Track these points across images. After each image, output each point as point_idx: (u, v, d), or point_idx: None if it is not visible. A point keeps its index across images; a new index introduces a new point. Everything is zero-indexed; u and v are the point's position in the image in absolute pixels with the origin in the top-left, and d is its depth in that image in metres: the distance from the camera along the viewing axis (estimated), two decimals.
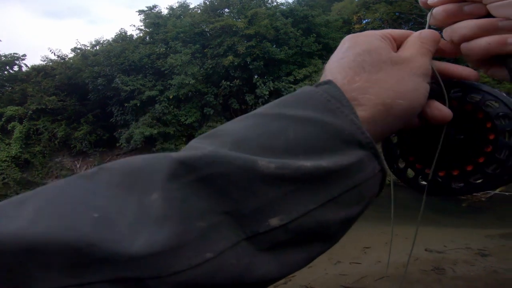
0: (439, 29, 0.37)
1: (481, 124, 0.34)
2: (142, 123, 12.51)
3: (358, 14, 16.79)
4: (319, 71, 12.53)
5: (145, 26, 15.44)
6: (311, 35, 12.97)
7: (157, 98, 12.58)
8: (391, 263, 5.12)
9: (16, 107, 14.40)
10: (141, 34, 15.57)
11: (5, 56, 16.87)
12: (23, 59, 17.42)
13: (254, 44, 12.08)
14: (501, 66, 0.35)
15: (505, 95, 0.33)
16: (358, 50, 0.30)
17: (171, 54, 12.68)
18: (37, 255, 0.19)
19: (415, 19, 14.49)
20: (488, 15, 0.33)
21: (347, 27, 16.14)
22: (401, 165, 0.40)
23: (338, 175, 0.23)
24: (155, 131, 12.39)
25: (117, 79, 12.75)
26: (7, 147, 13.40)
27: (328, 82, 0.27)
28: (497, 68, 0.35)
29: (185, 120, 12.64)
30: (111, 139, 14.10)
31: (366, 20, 17.18)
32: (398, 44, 0.34)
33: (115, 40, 15.40)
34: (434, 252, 5.27)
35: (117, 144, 13.58)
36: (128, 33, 15.91)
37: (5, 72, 17.21)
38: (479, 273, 4.30)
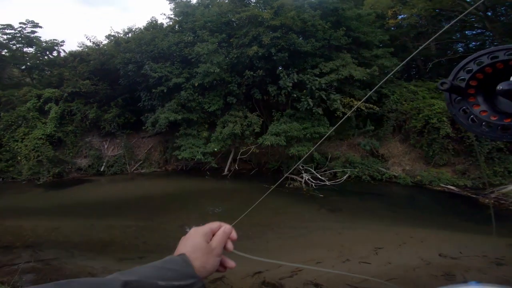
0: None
1: None
2: (167, 108, 12.93)
3: (394, 9, 16.16)
4: (347, 65, 12.29)
5: (175, 15, 15.69)
6: (341, 29, 12.67)
7: (183, 85, 12.89)
8: (401, 265, 5.06)
9: (53, 90, 15.27)
10: (171, 23, 15.85)
11: (46, 42, 18.01)
12: (61, 45, 18.58)
13: (279, 35, 12.04)
14: None
15: None
16: (195, 242, 0.71)
17: (198, 43, 12.85)
18: None
19: (456, 17, 13.75)
20: None
21: (380, 21, 15.67)
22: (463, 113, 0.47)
23: (187, 286, 0.62)
24: (179, 117, 12.76)
25: (146, 66, 13.19)
26: (43, 126, 14.25)
27: (183, 255, 0.68)
28: None
29: (209, 108, 12.93)
30: (138, 122, 14.70)
31: (402, 16, 16.56)
32: (213, 233, 0.75)
33: (146, 28, 15.78)
34: (448, 257, 5.17)
35: (143, 128, 14.10)
36: (159, 22, 16.29)
37: (45, 57, 18.37)
38: (491, 281, 4.24)
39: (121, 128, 15.13)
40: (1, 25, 16.83)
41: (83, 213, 8.86)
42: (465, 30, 16.26)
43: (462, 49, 16.47)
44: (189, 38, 13.58)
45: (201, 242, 0.71)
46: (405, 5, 15.25)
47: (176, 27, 15.35)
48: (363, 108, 12.00)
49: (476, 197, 9.14)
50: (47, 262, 5.62)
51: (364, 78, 11.98)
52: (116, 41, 15.96)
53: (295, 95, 12.27)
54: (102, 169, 14.44)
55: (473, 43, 16.43)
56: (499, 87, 0.43)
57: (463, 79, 0.48)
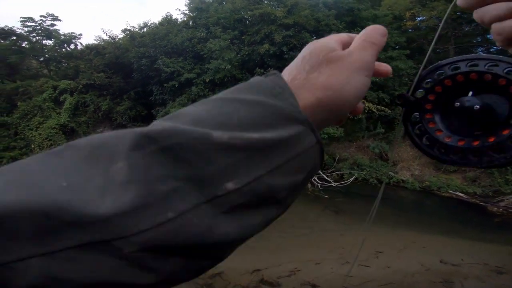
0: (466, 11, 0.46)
1: (505, 90, 0.35)
2: (178, 103, 13.04)
3: (412, 11, 15.84)
4: None
5: (189, 11, 15.89)
6: (356, 29, 12.57)
7: (194, 81, 13.04)
8: (400, 270, 4.98)
9: (69, 81, 15.73)
10: (185, 18, 16.06)
11: (64, 35, 18.46)
12: (79, 38, 18.99)
13: (291, 34, 12.00)
14: None
15: None
16: (304, 54, 0.35)
17: (210, 39, 12.99)
18: (4, 225, 0.20)
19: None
20: None
21: (398, 23, 15.37)
22: (418, 131, 0.41)
23: (281, 145, 0.27)
24: None
25: (159, 61, 13.37)
26: (57, 115, 14.67)
27: (275, 73, 0.33)
28: None
29: None
30: (149, 115, 14.84)
31: (421, 18, 16.19)
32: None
33: (161, 23, 16.02)
34: (449, 264, 5.05)
35: (154, 120, 14.25)
36: (174, 17, 16.52)
37: (63, 50, 18.87)
38: None
39: (132, 120, 15.29)
40: (23, 17, 17.38)
41: None
42: (486, 34, 15.76)
43: (482, 53, 16.00)
44: (202, 34, 13.71)
45: (319, 46, 0.35)
46: (424, 7, 14.89)
47: (190, 22, 15.52)
48: (375, 110, 11.83)
49: (484, 205, 8.90)
50: None
51: (377, 80, 11.79)
52: (131, 36, 16.26)
53: None
54: None
55: (494, 47, 15.90)
56: (457, 103, 0.39)
57: (422, 93, 0.43)
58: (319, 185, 10.68)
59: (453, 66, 0.41)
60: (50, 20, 17.93)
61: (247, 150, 0.26)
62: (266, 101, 0.28)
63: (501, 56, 0.36)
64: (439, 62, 0.43)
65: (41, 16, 17.65)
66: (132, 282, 0.23)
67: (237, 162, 0.25)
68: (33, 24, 17.60)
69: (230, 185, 0.25)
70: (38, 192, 0.22)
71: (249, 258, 5.67)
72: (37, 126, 14.41)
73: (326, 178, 11.14)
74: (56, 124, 14.29)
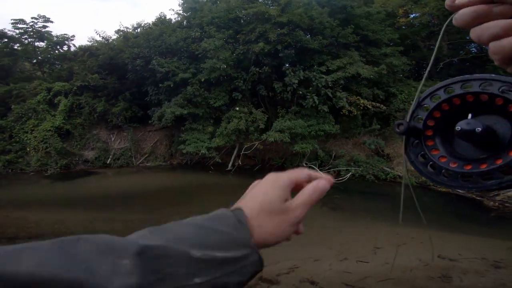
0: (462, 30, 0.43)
1: (503, 109, 0.34)
2: (174, 103, 12.99)
3: (405, 8, 15.92)
4: (354, 63, 12.16)
5: (183, 11, 15.80)
6: (349, 26, 12.57)
7: (189, 80, 12.96)
8: (399, 266, 4.98)
9: (63, 83, 15.51)
10: (179, 19, 15.96)
11: (56, 36, 18.21)
12: (72, 40, 18.77)
13: (286, 32, 11.98)
14: None
15: None
16: (265, 198, 0.46)
17: (205, 39, 12.93)
18: None
19: None
20: None
21: (391, 20, 15.42)
22: (422, 159, 0.41)
23: (235, 260, 0.40)
24: (185, 112, 12.83)
25: (154, 61, 13.29)
26: (52, 118, 14.50)
27: (239, 209, 0.46)
28: None
29: (214, 103, 12.98)
30: (145, 116, 14.81)
31: (414, 15, 16.24)
32: (298, 188, 0.49)
33: (155, 23, 15.90)
34: (447, 259, 5.05)
35: (150, 121, 14.22)
36: (167, 17, 16.40)
37: (56, 51, 18.63)
38: (488, 285, 4.07)
39: (128, 121, 15.26)
40: (14, 20, 17.08)
41: (87, 205, 8.95)
42: None
43: (475, 49, 16.07)
44: (197, 33, 13.64)
45: (274, 198, 0.46)
46: (416, 3, 14.96)
47: (184, 22, 15.44)
48: (370, 107, 11.84)
49: (480, 199, 8.95)
50: None
51: (372, 76, 11.82)
52: (125, 36, 16.14)
53: (300, 92, 12.20)
54: (108, 162, 14.59)
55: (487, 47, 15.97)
56: (458, 127, 0.37)
57: (421, 118, 0.43)
58: None
59: (448, 88, 0.40)
60: (41, 22, 17.66)
61: (213, 262, 0.39)
62: (229, 231, 0.42)
63: (493, 75, 0.36)
64: (433, 86, 0.42)
65: (32, 18, 17.39)
66: None
67: (204, 268, 0.38)
68: (25, 26, 17.31)
69: (197, 280, 0.37)
70: (66, 269, 0.31)
71: None
72: (32, 129, 14.27)
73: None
74: (51, 127, 14.15)
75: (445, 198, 9.48)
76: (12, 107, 14.78)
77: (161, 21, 16.00)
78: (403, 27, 16.75)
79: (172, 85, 13.19)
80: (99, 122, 15.49)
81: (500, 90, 0.34)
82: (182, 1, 15.82)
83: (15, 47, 17.72)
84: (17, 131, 14.26)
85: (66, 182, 12.18)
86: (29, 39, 17.93)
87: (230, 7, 13.95)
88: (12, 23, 17.04)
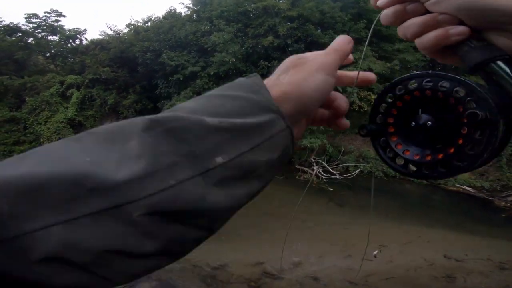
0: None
1: (454, 109, 0.37)
2: (183, 96, 13.04)
3: None
4: (366, 58, 11.96)
5: (193, 4, 15.77)
6: (361, 21, 12.34)
7: (198, 74, 13.01)
8: (403, 264, 4.93)
9: (75, 76, 15.76)
10: (189, 12, 15.97)
11: (69, 30, 18.47)
12: (84, 34, 18.97)
13: (296, 26, 11.86)
14: (453, 54, 0.39)
15: (470, 81, 0.36)
16: (280, 65, 0.43)
17: (214, 32, 12.95)
18: (35, 193, 0.23)
19: None
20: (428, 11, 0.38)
21: None
22: (390, 154, 0.43)
23: (259, 128, 0.33)
24: None
25: (164, 54, 13.38)
26: (65, 110, 14.79)
27: (255, 75, 0.40)
28: (450, 56, 0.40)
29: None
30: (155, 109, 14.81)
31: None
32: None
33: (165, 17, 16.03)
34: (453, 259, 5.00)
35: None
36: (177, 11, 16.46)
37: (68, 45, 18.92)
38: (491, 285, 4.04)
39: (138, 114, 15.26)
40: (27, 14, 17.35)
41: None
42: None
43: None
44: (206, 27, 13.65)
45: (296, 56, 0.43)
46: None
47: (194, 16, 15.41)
48: None
49: (491, 199, 8.74)
50: None
51: (384, 72, 11.62)
52: (135, 30, 16.32)
53: None
54: None
55: None
56: (412, 123, 0.41)
57: (381, 115, 0.45)
58: (324, 177, 10.60)
59: (399, 86, 0.42)
60: (54, 16, 17.90)
61: (233, 131, 0.32)
62: (247, 95, 0.35)
63: (431, 72, 0.39)
64: (387, 85, 0.44)
65: (45, 12, 17.66)
66: (136, 250, 0.27)
67: (224, 141, 0.31)
68: (38, 20, 17.59)
69: (219, 159, 0.30)
70: (66, 165, 0.26)
71: (252, 251, 5.71)
72: (46, 120, 14.57)
73: (331, 170, 11.05)
74: (64, 118, 14.44)
75: (455, 198, 9.29)
76: (26, 99, 15.10)
77: (171, 15, 16.08)
78: None
79: (181, 78, 13.27)
80: (110, 114, 15.62)
81: (439, 84, 0.37)
82: None
83: (29, 41, 18.04)
84: (31, 122, 14.58)
85: None
86: (42, 33, 18.25)
87: (239, 0, 13.89)
88: (25, 18, 17.38)
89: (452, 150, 0.37)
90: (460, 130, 0.36)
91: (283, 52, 12.50)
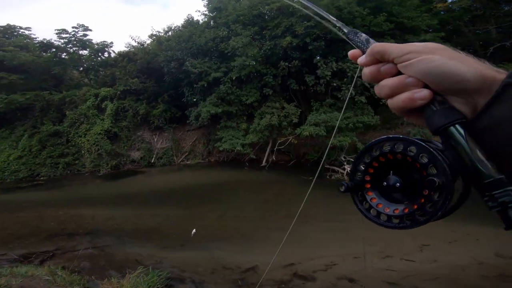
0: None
1: (419, 172, 0.42)
2: (208, 102, 13.35)
3: None
4: None
5: (209, 11, 15.91)
6: (381, 14, 11.80)
7: (221, 79, 13.17)
8: (448, 264, 4.63)
9: (108, 88, 16.61)
10: (206, 19, 16.15)
11: (97, 44, 19.39)
12: (111, 46, 19.84)
13: (313, 24, 11.61)
14: (420, 115, 0.42)
15: (432, 149, 0.41)
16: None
17: (232, 37, 13.00)
18: None
19: None
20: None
21: (427, 5, 14.29)
22: (366, 206, 0.49)
23: None
24: (220, 110, 13.15)
25: (187, 62, 13.70)
26: (101, 122, 15.65)
27: None
28: (418, 117, 0.43)
29: (246, 100, 13.09)
30: (183, 116, 15.43)
31: None
32: None
33: (184, 25, 16.37)
34: (507, 258, 4.69)
35: (188, 121, 14.79)
36: (195, 19, 16.71)
37: (98, 58, 19.85)
38: None
39: (168, 122, 16.00)
40: (57, 30, 18.44)
41: (135, 202, 9.65)
42: None
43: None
44: (224, 32, 13.75)
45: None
46: None
47: (211, 22, 15.56)
48: None
49: None
50: (102, 248, 6.21)
51: None
52: (158, 40, 16.75)
53: (335, 84, 11.79)
54: (152, 161, 15.51)
55: None
56: (384, 183, 0.47)
57: (360, 173, 0.51)
58: None
59: (375, 148, 0.47)
60: (81, 31, 18.82)
61: None
62: None
63: (401, 136, 0.44)
64: (365, 146, 0.49)
65: (73, 27, 18.63)
66: None
67: None
68: (68, 35, 18.56)
69: None
70: None
71: (283, 253, 5.63)
72: (85, 133, 15.55)
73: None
74: (101, 130, 15.30)
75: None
76: (66, 113, 16.22)
77: (190, 23, 16.37)
78: (442, 12, 15.35)
79: (205, 85, 13.51)
80: (142, 124, 16.41)
81: (408, 149, 0.42)
82: (207, 2, 15.96)
83: (63, 56, 19.12)
84: (73, 135, 15.64)
85: (116, 181, 13.20)
86: (73, 48, 19.27)
87: (253, 3, 13.80)
88: (56, 33, 18.43)
89: (415, 207, 0.43)
90: (422, 191, 0.42)
91: (303, 51, 12.32)
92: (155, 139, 16.29)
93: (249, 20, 13.77)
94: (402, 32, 12.46)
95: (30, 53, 17.75)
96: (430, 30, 12.93)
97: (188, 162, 15.39)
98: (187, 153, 15.80)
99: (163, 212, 8.44)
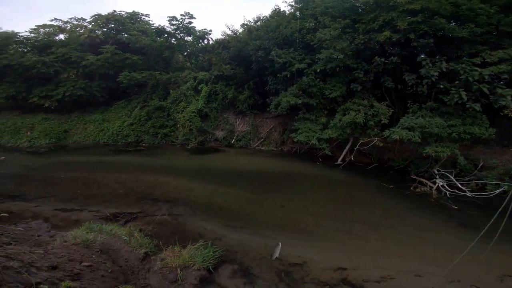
0: None
1: None
2: (289, 92, 13.15)
3: None
4: None
5: (295, 2, 15.40)
6: None
7: (305, 71, 12.78)
8: None
9: (204, 73, 18.17)
10: (292, 10, 15.72)
11: (199, 31, 21.18)
12: (210, 34, 21.44)
13: (420, 20, 10.14)
14: None
15: None
16: None
17: (319, 29, 12.39)
18: None
19: None
20: None
21: None
22: None
23: None
24: (300, 101, 12.83)
25: (273, 52, 13.71)
26: (196, 102, 17.27)
27: None
28: None
29: (329, 94, 12.42)
30: (264, 104, 15.73)
31: None
32: None
33: (271, 16, 16.38)
34: None
35: (267, 109, 14.94)
36: (282, 9, 16.57)
37: (199, 45, 21.66)
38: None
39: (250, 108, 16.61)
40: (169, 17, 20.77)
41: (212, 178, 10.28)
42: None
43: None
44: (310, 24, 13.33)
45: None
46: None
47: (297, 14, 15.09)
48: None
49: None
50: (175, 217, 6.75)
51: None
52: (249, 30, 17.23)
53: (442, 86, 10.04)
54: (232, 142, 16.45)
55: None
56: None
57: None
58: (448, 192, 8.83)
59: None
60: (187, 19, 20.69)
61: None
62: None
63: None
64: None
65: (181, 15, 20.67)
66: None
67: None
68: (177, 22, 20.67)
69: None
70: None
71: (338, 255, 5.34)
72: (182, 110, 17.40)
73: (459, 186, 9.07)
74: (195, 109, 16.92)
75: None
76: (170, 91, 18.45)
77: (277, 14, 16.27)
78: None
79: (288, 75, 13.35)
80: (228, 107, 17.44)
81: None
82: None
83: (172, 41, 21.41)
84: (172, 111, 17.66)
85: (200, 155, 14.37)
86: (181, 34, 21.36)
87: None
88: (168, 20, 20.68)
89: None
90: None
91: (403, 47, 10.86)
92: (237, 122, 17.16)
93: (339, 13, 12.88)
94: None
95: (148, 37, 20.47)
96: None
97: (263, 148, 15.77)
98: (262, 139, 16.16)
99: (233, 192, 8.81)
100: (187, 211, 7.20)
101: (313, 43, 12.78)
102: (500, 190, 8.58)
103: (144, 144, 16.77)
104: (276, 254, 5.13)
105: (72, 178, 9.91)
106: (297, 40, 13.66)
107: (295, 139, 12.73)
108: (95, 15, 20.78)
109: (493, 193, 8.52)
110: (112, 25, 20.76)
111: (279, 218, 7.10)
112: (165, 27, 21.16)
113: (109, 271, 3.89)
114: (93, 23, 20.66)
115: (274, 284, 4.46)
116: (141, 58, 19.56)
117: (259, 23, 17.31)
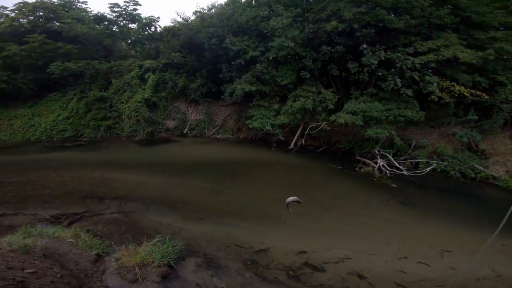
0: None
1: None
2: (243, 80, 12.86)
3: None
4: (451, 45, 10.06)
5: None
6: (445, 7, 10.36)
7: (258, 59, 12.61)
8: (463, 273, 4.24)
9: (152, 61, 16.87)
10: None
11: (145, 18, 19.76)
12: (157, 21, 20.11)
13: (364, 11, 10.55)
14: None
15: None
16: None
17: (273, 17, 12.34)
18: None
19: None
20: None
21: (502, 2, 12.47)
22: None
23: None
24: (253, 88, 12.65)
25: (227, 40, 13.23)
26: (142, 91, 15.97)
27: None
28: None
29: (281, 81, 12.46)
30: (218, 92, 15.19)
31: None
32: None
33: (227, 3, 15.88)
34: None
35: (222, 97, 14.50)
36: None
37: (145, 32, 20.20)
38: None
39: (203, 96, 15.94)
40: (110, 4, 19.04)
41: (164, 170, 9.53)
42: None
43: None
44: (265, 12, 13.16)
45: None
46: None
47: (253, 2, 14.86)
48: (467, 95, 9.87)
49: None
50: (127, 214, 6.09)
51: (474, 61, 9.70)
52: (201, 17, 16.41)
53: (380, 74, 10.69)
54: (185, 131, 15.63)
55: None
56: None
57: None
58: (388, 172, 9.58)
59: None
60: (132, 5, 19.18)
61: None
62: None
63: None
64: None
65: (124, 1, 19.05)
66: None
67: None
68: (119, 9, 19.06)
69: None
70: None
71: (298, 239, 5.36)
72: (127, 100, 15.94)
73: (397, 165, 9.89)
74: (142, 99, 15.65)
75: None
76: (112, 81, 16.65)
77: (232, 1, 15.80)
78: None
79: (242, 63, 13.05)
80: (179, 96, 16.47)
81: None
82: None
83: (114, 29, 19.63)
84: (116, 101, 16.06)
85: (149, 147, 13.31)
86: (124, 21, 19.70)
87: None
88: (109, 7, 18.99)
89: None
90: None
91: (348, 37, 11.33)
92: (190, 111, 16.38)
93: (292, 2, 12.92)
94: (468, 27, 10.94)
95: (85, 25, 18.40)
96: (502, 28, 11.29)
97: (218, 136, 15.33)
98: (218, 127, 15.72)
99: (189, 183, 8.28)
100: (139, 207, 6.51)
101: (266, 31, 12.64)
102: (430, 168, 9.62)
103: (84, 139, 14.99)
104: (290, 200, 4.52)
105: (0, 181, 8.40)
106: (252, 28, 13.39)
107: (250, 126, 12.65)
108: (20, 3, 18.09)
109: (425, 171, 9.47)
110: (41, 13, 18.19)
111: (239, 206, 6.87)
112: (106, 14, 19.38)
113: (59, 276, 3.35)
114: (16, 11, 17.82)
115: (241, 272, 4.30)
116: (77, 47, 17.47)
117: (213, 10, 16.64)
